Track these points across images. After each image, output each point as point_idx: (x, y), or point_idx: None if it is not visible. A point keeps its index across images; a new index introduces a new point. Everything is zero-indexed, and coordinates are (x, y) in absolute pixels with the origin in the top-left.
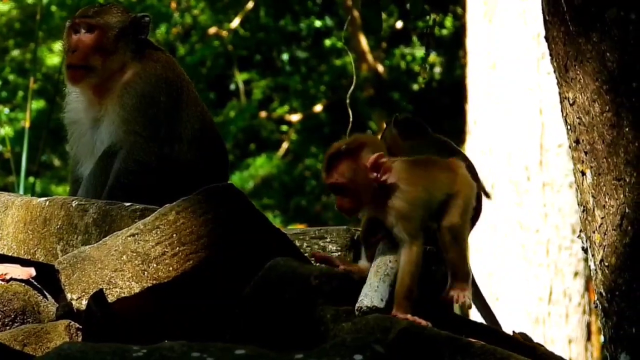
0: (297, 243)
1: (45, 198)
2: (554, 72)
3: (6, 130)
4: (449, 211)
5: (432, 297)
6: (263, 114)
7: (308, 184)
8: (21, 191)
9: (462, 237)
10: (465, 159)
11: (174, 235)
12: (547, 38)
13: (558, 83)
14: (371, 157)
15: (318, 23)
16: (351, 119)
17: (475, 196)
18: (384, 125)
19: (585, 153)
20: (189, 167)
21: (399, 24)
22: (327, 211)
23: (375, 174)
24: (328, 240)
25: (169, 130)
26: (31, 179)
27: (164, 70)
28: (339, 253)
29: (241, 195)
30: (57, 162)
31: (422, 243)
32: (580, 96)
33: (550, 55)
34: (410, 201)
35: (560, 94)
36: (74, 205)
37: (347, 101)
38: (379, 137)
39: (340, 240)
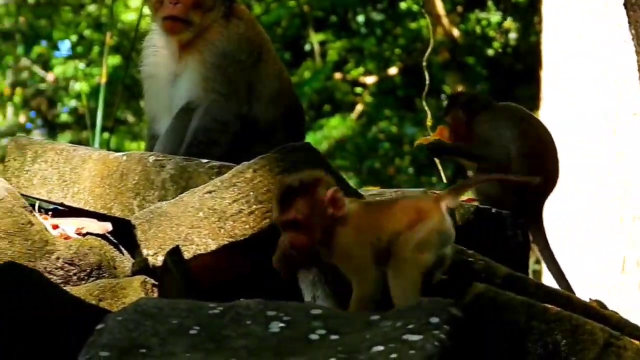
0: None
1: (123, 153)
2: (632, 39)
3: (82, 86)
4: (404, 235)
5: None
6: (338, 75)
7: (381, 147)
8: (96, 146)
9: (408, 265)
10: (539, 125)
11: (251, 193)
12: (625, 5)
13: (636, 50)
14: (329, 192)
15: None
16: (427, 83)
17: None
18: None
19: None
20: (266, 125)
21: None
22: (400, 174)
23: (331, 210)
24: None
25: (248, 89)
26: (106, 135)
27: (246, 29)
28: None
29: (318, 153)
30: (131, 118)
31: (373, 277)
32: None
33: (629, 22)
34: (356, 241)
35: (637, 61)
36: (151, 160)
37: (424, 64)
38: (448, 118)
39: None
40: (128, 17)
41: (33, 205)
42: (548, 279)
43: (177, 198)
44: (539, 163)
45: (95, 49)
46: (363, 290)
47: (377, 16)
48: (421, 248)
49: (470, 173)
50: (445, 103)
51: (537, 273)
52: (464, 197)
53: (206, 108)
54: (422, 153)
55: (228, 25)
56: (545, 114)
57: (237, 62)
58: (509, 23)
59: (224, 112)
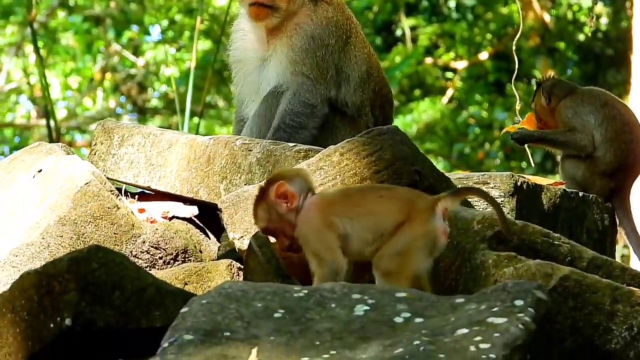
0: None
1: (210, 137)
2: None
3: (172, 71)
4: (384, 247)
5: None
6: (428, 60)
7: (471, 131)
8: (185, 130)
9: (390, 277)
10: (623, 109)
11: (338, 176)
12: None
13: None
14: (274, 189)
15: None
16: (517, 67)
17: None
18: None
19: None
20: (354, 109)
21: None
22: (490, 159)
23: (284, 204)
24: (491, 185)
25: (336, 72)
26: (195, 119)
27: (334, 12)
28: (502, 199)
29: (406, 138)
30: (221, 103)
31: (341, 269)
32: None
33: None
34: (314, 228)
35: None
36: (237, 144)
37: (513, 49)
38: (534, 102)
39: (504, 187)
40: (218, 1)
41: (119, 189)
42: (635, 263)
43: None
44: (625, 147)
45: (186, 33)
46: (317, 280)
47: (468, 1)
48: (401, 255)
49: (559, 157)
50: (534, 88)
51: (626, 257)
52: (551, 181)
53: (294, 92)
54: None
55: (316, 9)
56: (635, 99)
57: (325, 45)
58: (599, 8)
59: (312, 95)
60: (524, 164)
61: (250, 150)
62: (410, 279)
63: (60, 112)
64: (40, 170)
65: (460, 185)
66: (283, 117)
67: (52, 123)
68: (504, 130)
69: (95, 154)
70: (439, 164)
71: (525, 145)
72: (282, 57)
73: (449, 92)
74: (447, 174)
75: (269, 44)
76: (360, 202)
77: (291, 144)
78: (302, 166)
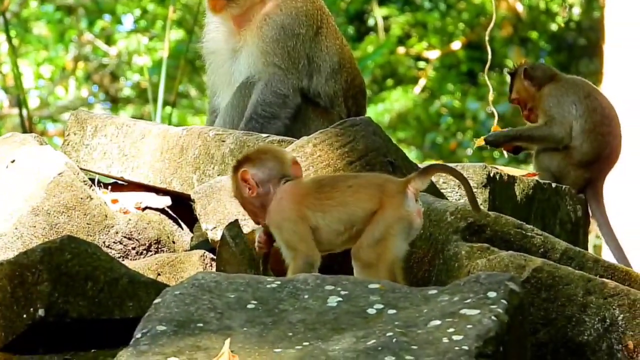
0: (434, 179)
1: (183, 127)
2: None
3: (144, 60)
4: (362, 237)
5: None
6: (401, 49)
7: (444, 121)
8: (158, 120)
9: (370, 267)
10: (604, 101)
11: (311, 167)
12: None
13: None
14: (239, 173)
15: None
16: (490, 57)
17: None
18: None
19: None
20: (327, 100)
21: None
22: (462, 149)
23: (247, 189)
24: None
25: (307, 62)
26: (168, 109)
27: (304, 2)
28: (475, 190)
29: (379, 129)
30: (193, 92)
31: (314, 262)
32: None
33: None
34: (288, 219)
35: None
36: (211, 135)
37: (487, 39)
38: (515, 91)
39: (477, 177)
40: None
41: (93, 180)
42: (607, 254)
43: None
44: (602, 139)
45: (158, 23)
46: (291, 270)
47: None
48: (379, 244)
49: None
50: (507, 79)
51: (598, 248)
52: (524, 172)
53: (266, 82)
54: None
55: None
56: (607, 90)
57: (295, 35)
58: None
59: (283, 85)
60: (496, 154)
61: (224, 141)
62: (390, 266)
63: (33, 101)
64: (13, 161)
65: (433, 176)
66: (255, 107)
67: (24, 112)
68: (476, 144)
69: (68, 145)
70: (411, 154)
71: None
72: (253, 48)
73: (422, 82)
74: (419, 165)
75: (239, 35)
76: (331, 195)
77: (264, 135)
78: None
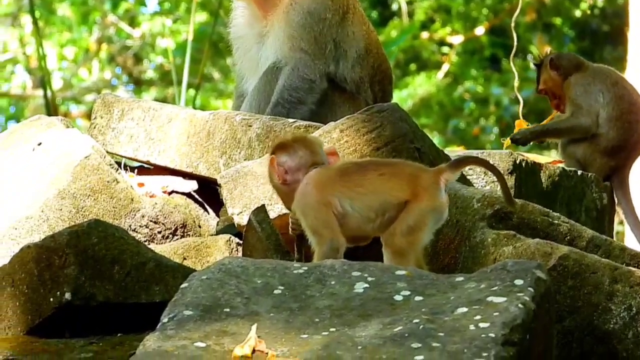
0: None
1: (210, 112)
2: None
3: (168, 43)
4: (395, 225)
5: None
6: (425, 34)
7: (467, 106)
8: (182, 103)
9: (402, 254)
10: (631, 88)
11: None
12: None
13: None
14: (269, 159)
15: None
16: (515, 43)
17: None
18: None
19: None
20: (353, 85)
21: None
22: (485, 134)
23: (276, 175)
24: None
25: (334, 47)
26: (192, 92)
27: None
28: None
29: (406, 115)
30: (217, 75)
31: (340, 247)
32: None
33: None
34: (312, 206)
35: None
36: (237, 119)
37: (512, 25)
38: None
39: (503, 164)
40: None
41: (119, 163)
42: (631, 241)
43: (263, 157)
44: (629, 127)
45: (182, 5)
46: (316, 257)
47: None
48: (412, 233)
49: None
50: (532, 65)
51: (620, 234)
52: (550, 159)
53: (293, 67)
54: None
55: None
56: (631, 76)
57: (322, 20)
58: None
59: (310, 70)
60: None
61: (250, 126)
62: (421, 255)
63: (56, 83)
64: (40, 144)
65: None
66: (282, 92)
67: (48, 94)
68: (505, 145)
69: (95, 128)
70: (434, 139)
71: (522, 120)
72: (280, 32)
73: (445, 67)
74: (445, 151)
75: (266, 20)
76: (361, 182)
77: (291, 120)
78: None
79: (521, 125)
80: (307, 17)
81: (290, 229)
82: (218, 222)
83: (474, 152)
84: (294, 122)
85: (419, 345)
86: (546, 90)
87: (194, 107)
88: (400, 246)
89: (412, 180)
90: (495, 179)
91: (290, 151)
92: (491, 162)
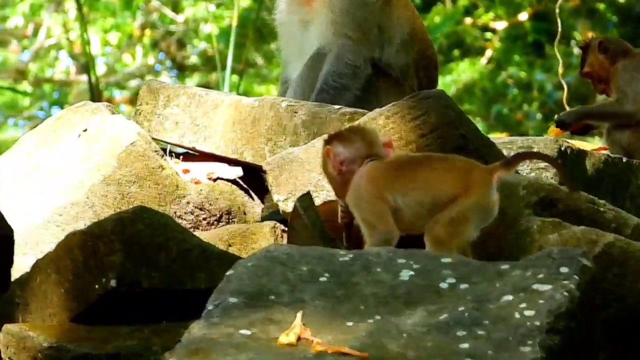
0: (505, 152)
1: (255, 98)
2: None
3: (212, 28)
4: (438, 214)
5: None
6: (468, 20)
7: (510, 92)
8: (226, 89)
9: (440, 244)
10: None
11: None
12: None
13: None
14: (325, 149)
15: None
16: (559, 29)
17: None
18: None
19: None
20: (398, 72)
21: None
22: (528, 120)
23: (331, 166)
24: (535, 150)
25: (378, 33)
26: (235, 77)
27: None
28: (546, 164)
29: (451, 102)
30: (260, 60)
31: (393, 239)
32: None
33: None
34: (365, 199)
35: None
36: (283, 106)
37: (557, 10)
38: (588, 64)
39: (548, 151)
40: None
41: (164, 150)
42: None
43: (308, 144)
44: None
45: None
46: (371, 245)
47: None
48: (453, 224)
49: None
50: (575, 50)
51: None
52: (595, 146)
53: (337, 53)
54: (550, 99)
55: None
56: None
57: (364, 5)
58: None
59: (354, 56)
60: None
61: (296, 112)
62: (461, 249)
63: (100, 68)
64: (85, 130)
65: (504, 150)
66: (326, 78)
67: (92, 79)
68: (551, 135)
69: (140, 114)
70: (477, 125)
71: (567, 107)
72: (323, 18)
73: (488, 53)
74: (490, 138)
75: (309, 6)
76: (413, 177)
77: (336, 107)
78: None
79: (555, 132)
80: (350, 2)
81: (339, 217)
82: (263, 208)
83: (519, 139)
84: (340, 108)
85: (464, 333)
86: (591, 74)
87: (238, 93)
88: (439, 236)
89: (464, 176)
90: (542, 166)
91: (347, 142)
92: (536, 148)
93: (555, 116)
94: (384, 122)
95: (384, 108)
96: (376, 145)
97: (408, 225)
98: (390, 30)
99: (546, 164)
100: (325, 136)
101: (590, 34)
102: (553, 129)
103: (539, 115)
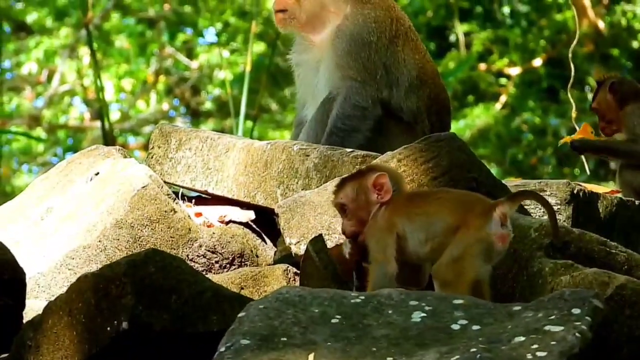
0: None
1: (267, 141)
2: None
3: (226, 74)
4: (442, 255)
5: None
6: (482, 66)
7: (525, 137)
8: (240, 134)
9: (449, 286)
10: None
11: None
12: None
13: None
14: (373, 177)
15: None
16: (573, 74)
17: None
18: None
19: None
20: (410, 115)
21: None
22: (543, 165)
23: (376, 195)
24: (548, 193)
25: (385, 73)
26: (249, 123)
27: (372, 9)
28: (559, 206)
29: (463, 144)
30: (274, 106)
31: (388, 272)
32: None
33: None
34: (379, 227)
35: None
36: (295, 149)
37: (570, 56)
38: (595, 103)
39: (560, 194)
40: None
41: (176, 193)
42: None
43: (321, 187)
44: None
45: (240, 36)
46: (371, 277)
47: (522, 7)
48: (457, 262)
49: (613, 165)
50: (590, 95)
51: None
52: (607, 189)
53: (345, 96)
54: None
55: (353, 8)
56: None
57: (367, 44)
58: None
59: (361, 98)
60: (576, 171)
61: (308, 156)
62: (469, 287)
63: (114, 114)
64: (97, 173)
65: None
66: (335, 121)
67: (106, 125)
68: (561, 142)
69: (152, 158)
70: (492, 170)
71: (589, 125)
72: (329, 62)
73: (503, 98)
74: (502, 181)
75: (319, 49)
76: (419, 204)
77: (348, 150)
78: None
79: (586, 128)
80: (351, 43)
81: (347, 254)
82: (275, 251)
83: (532, 182)
84: (352, 151)
85: None
86: (598, 110)
87: (252, 139)
88: (445, 277)
89: (464, 207)
90: (555, 209)
91: (391, 175)
92: (549, 191)
93: (571, 138)
94: (396, 165)
95: (395, 151)
96: (403, 181)
97: (413, 255)
98: (396, 71)
99: (559, 205)
100: (364, 167)
101: (610, 74)
102: (567, 138)
103: (553, 160)
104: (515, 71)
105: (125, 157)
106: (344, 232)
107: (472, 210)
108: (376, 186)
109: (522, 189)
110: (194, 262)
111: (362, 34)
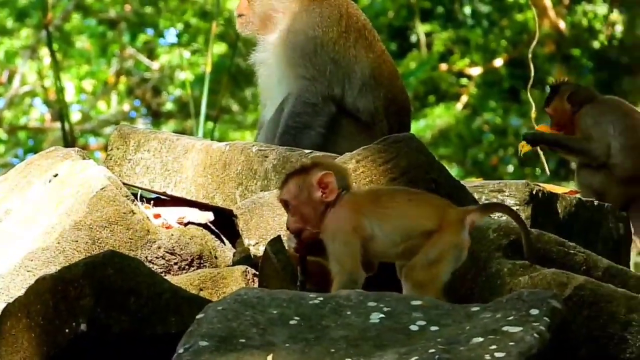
0: (476, 196)
1: (226, 143)
2: None
3: (187, 75)
4: (416, 258)
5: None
6: (443, 66)
7: (486, 138)
8: (200, 135)
9: (421, 288)
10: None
11: (354, 184)
12: None
13: None
14: (318, 176)
15: None
16: (532, 75)
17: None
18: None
19: None
20: (368, 116)
21: None
22: (503, 165)
23: (320, 193)
24: (506, 193)
25: (335, 68)
26: (210, 124)
27: (319, 5)
28: (518, 207)
29: (422, 146)
30: (235, 107)
31: (358, 281)
32: None
33: None
34: (343, 229)
35: None
36: (254, 150)
37: (529, 56)
38: (550, 109)
39: (519, 195)
40: (234, 5)
41: (135, 195)
42: None
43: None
44: None
45: (201, 37)
46: (338, 284)
47: (484, 7)
48: (432, 266)
49: (573, 165)
50: (547, 89)
51: (638, 265)
52: (566, 189)
53: (296, 94)
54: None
55: (300, 5)
56: None
57: (311, 39)
58: (615, 16)
59: (311, 95)
60: (537, 171)
61: (267, 157)
62: (441, 290)
63: (75, 115)
64: (56, 175)
65: (475, 194)
66: (287, 119)
67: (66, 126)
68: (522, 152)
69: (111, 159)
70: (453, 170)
71: (541, 153)
72: (281, 62)
73: (464, 98)
74: (461, 181)
75: (273, 50)
76: (391, 205)
77: (307, 151)
78: None
79: (544, 129)
80: (298, 40)
81: (292, 249)
82: (234, 253)
83: (492, 182)
84: (310, 152)
85: None
86: (552, 116)
87: (212, 140)
88: (420, 280)
89: (440, 213)
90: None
91: (338, 173)
92: (507, 192)
93: (524, 132)
94: (355, 166)
95: (354, 152)
96: (349, 177)
97: (380, 254)
98: (347, 67)
99: (518, 206)
100: (307, 161)
101: (565, 78)
102: (524, 144)
103: (514, 161)
104: (476, 71)
105: (84, 158)
106: (288, 228)
107: (448, 216)
108: (321, 185)
109: (495, 202)
110: (153, 263)
111: (307, 29)
